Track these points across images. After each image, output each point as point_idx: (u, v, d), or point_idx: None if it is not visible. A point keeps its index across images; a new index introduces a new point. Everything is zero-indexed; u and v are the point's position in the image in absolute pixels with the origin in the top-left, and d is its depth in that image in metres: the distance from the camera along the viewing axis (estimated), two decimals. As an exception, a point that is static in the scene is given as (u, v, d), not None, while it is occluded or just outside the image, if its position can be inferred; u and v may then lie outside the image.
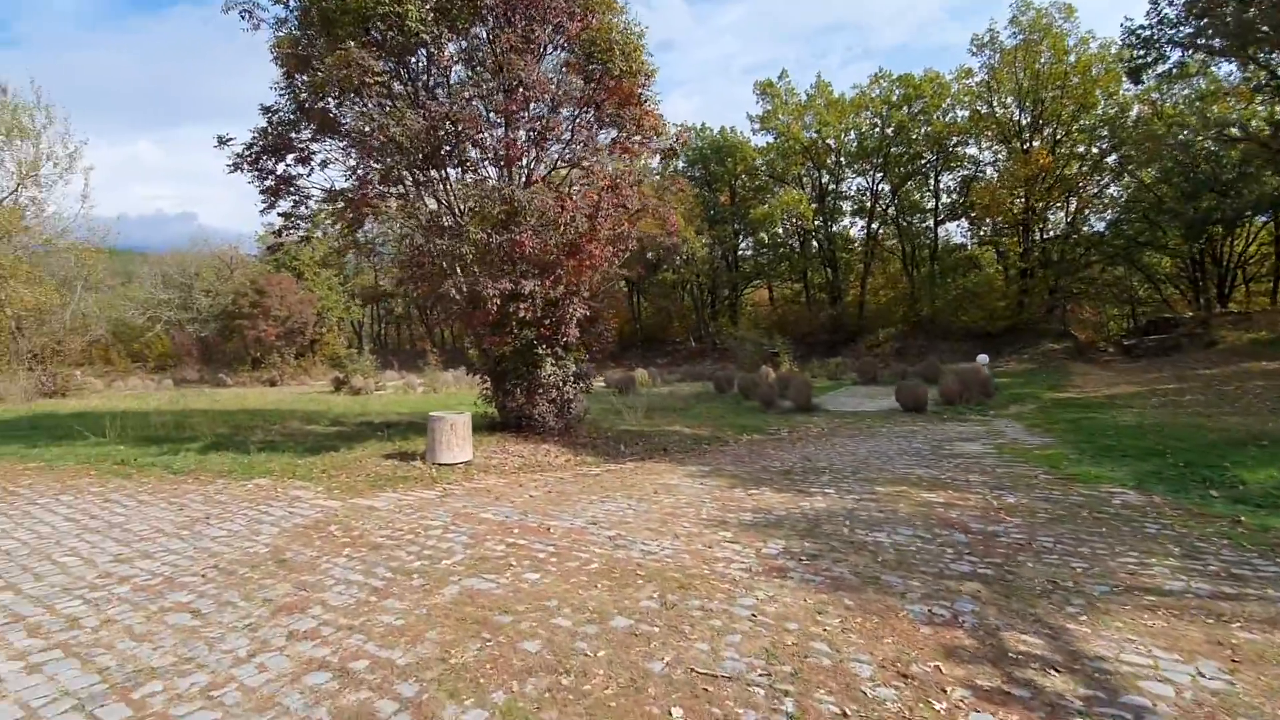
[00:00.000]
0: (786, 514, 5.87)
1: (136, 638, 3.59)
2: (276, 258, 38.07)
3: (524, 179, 8.37)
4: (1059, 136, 29.49)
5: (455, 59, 7.86)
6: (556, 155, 8.69)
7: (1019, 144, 30.37)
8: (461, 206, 8.91)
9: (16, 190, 23.91)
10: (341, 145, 10.24)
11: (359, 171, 8.12)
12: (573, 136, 8.44)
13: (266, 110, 9.24)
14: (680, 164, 35.02)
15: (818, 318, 34.17)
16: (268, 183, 9.98)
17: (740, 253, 39.18)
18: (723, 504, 6.31)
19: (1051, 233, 31.56)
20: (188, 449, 9.33)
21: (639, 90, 8.40)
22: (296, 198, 10.30)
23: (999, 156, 32.55)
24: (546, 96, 7.71)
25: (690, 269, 34.68)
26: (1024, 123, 30.35)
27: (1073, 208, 30.71)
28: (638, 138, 8.64)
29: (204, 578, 4.48)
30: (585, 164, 8.26)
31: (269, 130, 9.71)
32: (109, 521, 5.91)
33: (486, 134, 7.77)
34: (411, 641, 3.45)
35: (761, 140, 37.06)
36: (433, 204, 8.54)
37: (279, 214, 10.47)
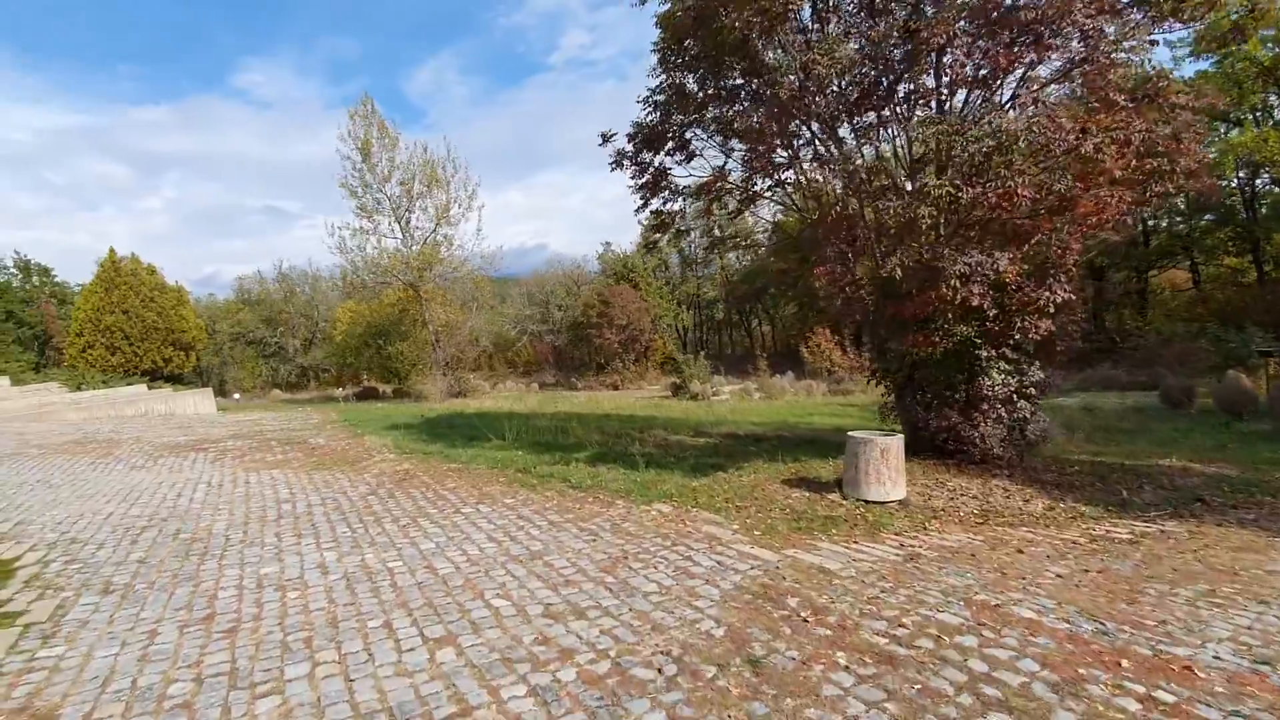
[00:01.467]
0: None
1: (613, 803, 2.26)
2: (617, 272, 41.68)
3: (990, 101, 5.93)
4: None
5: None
6: (1052, 62, 6.04)
7: None
8: (894, 160, 6.91)
9: (435, 229, 29.49)
10: (708, 135, 9.25)
11: (765, 127, 6.50)
12: (1078, 29, 5.64)
13: (650, 94, 8.52)
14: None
15: (1290, 302, 23.95)
16: (644, 179, 9.51)
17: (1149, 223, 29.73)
18: None
19: None
20: (576, 459, 9.06)
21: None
22: (668, 193, 9.70)
23: None
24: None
25: (1086, 250, 27.43)
26: None
27: None
28: (1171, 21, 5.59)
29: (661, 673, 3.16)
30: (1095, 67, 5.51)
31: (644, 125, 9.16)
32: (528, 549, 5.25)
33: (961, 42, 5.56)
34: None
35: (1189, 70, 27.82)
36: (847, 162, 6.63)
37: (651, 211, 10.03)
